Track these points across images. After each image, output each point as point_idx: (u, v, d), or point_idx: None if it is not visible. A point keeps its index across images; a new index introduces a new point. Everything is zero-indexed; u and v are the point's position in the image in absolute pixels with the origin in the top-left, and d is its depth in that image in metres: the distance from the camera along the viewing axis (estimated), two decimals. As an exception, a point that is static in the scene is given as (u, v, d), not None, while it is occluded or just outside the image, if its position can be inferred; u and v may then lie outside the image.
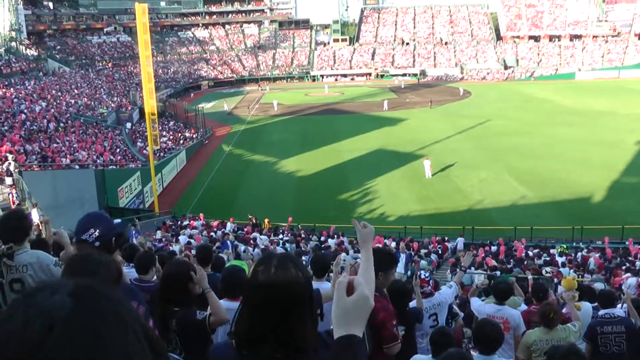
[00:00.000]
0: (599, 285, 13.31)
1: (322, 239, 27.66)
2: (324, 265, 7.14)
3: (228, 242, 19.12)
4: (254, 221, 31.27)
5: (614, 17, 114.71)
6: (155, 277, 6.81)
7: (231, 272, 6.11)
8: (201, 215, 31.62)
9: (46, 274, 5.20)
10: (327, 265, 7.17)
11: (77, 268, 3.31)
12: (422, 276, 7.93)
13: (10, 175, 25.87)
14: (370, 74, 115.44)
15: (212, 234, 25.93)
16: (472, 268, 21.31)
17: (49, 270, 5.22)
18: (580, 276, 19.06)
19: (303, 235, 27.75)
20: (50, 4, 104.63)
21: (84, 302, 1.24)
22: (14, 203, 22.86)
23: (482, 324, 6.04)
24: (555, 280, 17.95)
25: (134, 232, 23.63)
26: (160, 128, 48.42)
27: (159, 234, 26.62)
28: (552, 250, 25.66)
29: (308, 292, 2.42)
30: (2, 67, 60.77)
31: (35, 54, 79.31)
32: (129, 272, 6.67)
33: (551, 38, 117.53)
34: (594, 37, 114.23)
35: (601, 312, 8.41)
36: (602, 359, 7.72)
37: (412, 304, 7.58)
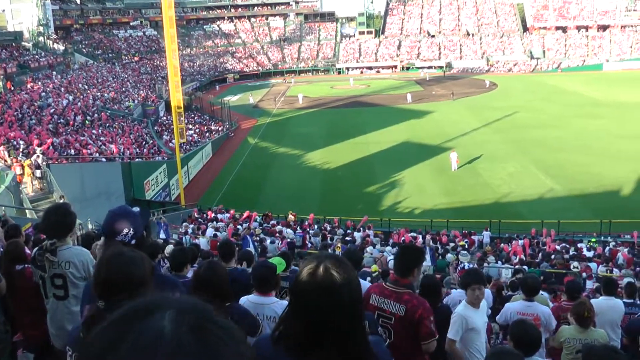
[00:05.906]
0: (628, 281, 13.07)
1: (348, 231, 27.58)
2: (357, 259, 7.12)
3: (248, 237, 19.07)
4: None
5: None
6: (191, 273, 6.80)
7: (261, 268, 6.06)
8: (232, 211, 31.45)
9: (86, 273, 5.18)
10: (360, 259, 7.14)
11: (113, 266, 3.30)
12: (465, 266, 7.68)
13: (38, 167, 26.09)
14: (395, 67, 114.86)
15: (239, 227, 25.95)
16: (500, 263, 21.14)
17: (89, 271, 5.19)
18: (608, 271, 18.79)
19: (328, 229, 27.59)
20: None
21: (210, 347, 1.07)
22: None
23: (522, 325, 5.52)
24: (584, 274, 17.74)
25: (163, 225, 23.74)
26: (186, 121, 48.63)
27: (184, 227, 26.74)
28: (579, 245, 25.34)
29: (350, 298, 2.27)
30: (30, 62, 61.34)
31: (63, 48, 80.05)
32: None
33: (578, 29, 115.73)
34: (622, 27, 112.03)
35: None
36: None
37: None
